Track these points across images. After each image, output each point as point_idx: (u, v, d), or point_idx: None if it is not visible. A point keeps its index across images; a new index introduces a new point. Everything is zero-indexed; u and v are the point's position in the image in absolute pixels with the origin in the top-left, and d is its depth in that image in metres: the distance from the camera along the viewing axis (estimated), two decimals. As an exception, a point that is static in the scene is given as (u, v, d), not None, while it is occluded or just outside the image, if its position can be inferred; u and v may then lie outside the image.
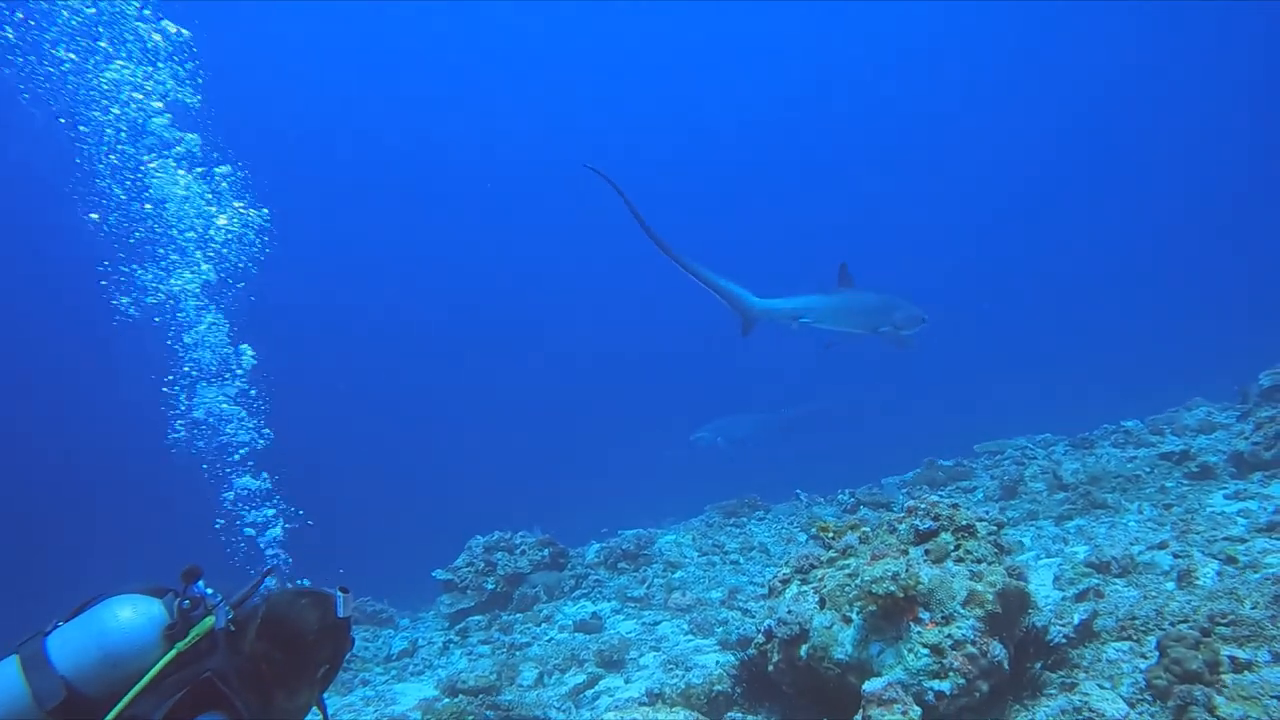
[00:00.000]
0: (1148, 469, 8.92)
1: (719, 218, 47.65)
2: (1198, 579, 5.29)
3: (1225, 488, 7.75)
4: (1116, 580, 5.81)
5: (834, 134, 49.02)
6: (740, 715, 4.92)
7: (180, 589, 2.62)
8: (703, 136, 49.09)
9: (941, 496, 10.39)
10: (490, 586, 9.40)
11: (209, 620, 2.54)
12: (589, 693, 6.53)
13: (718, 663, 6.18)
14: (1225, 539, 5.99)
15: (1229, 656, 3.84)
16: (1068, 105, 45.49)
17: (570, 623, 8.43)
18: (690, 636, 7.53)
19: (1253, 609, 4.35)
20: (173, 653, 2.44)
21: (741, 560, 9.66)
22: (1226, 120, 42.91)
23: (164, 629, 2.48)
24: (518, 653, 7.77)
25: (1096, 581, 5.78)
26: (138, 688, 2.36)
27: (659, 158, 47.60)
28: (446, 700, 6.36)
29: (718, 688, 5.15)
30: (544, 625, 8.60)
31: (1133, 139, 45.22)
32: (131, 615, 2.49)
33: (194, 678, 2.40)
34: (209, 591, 2.65)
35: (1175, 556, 5.89)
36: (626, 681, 6.67)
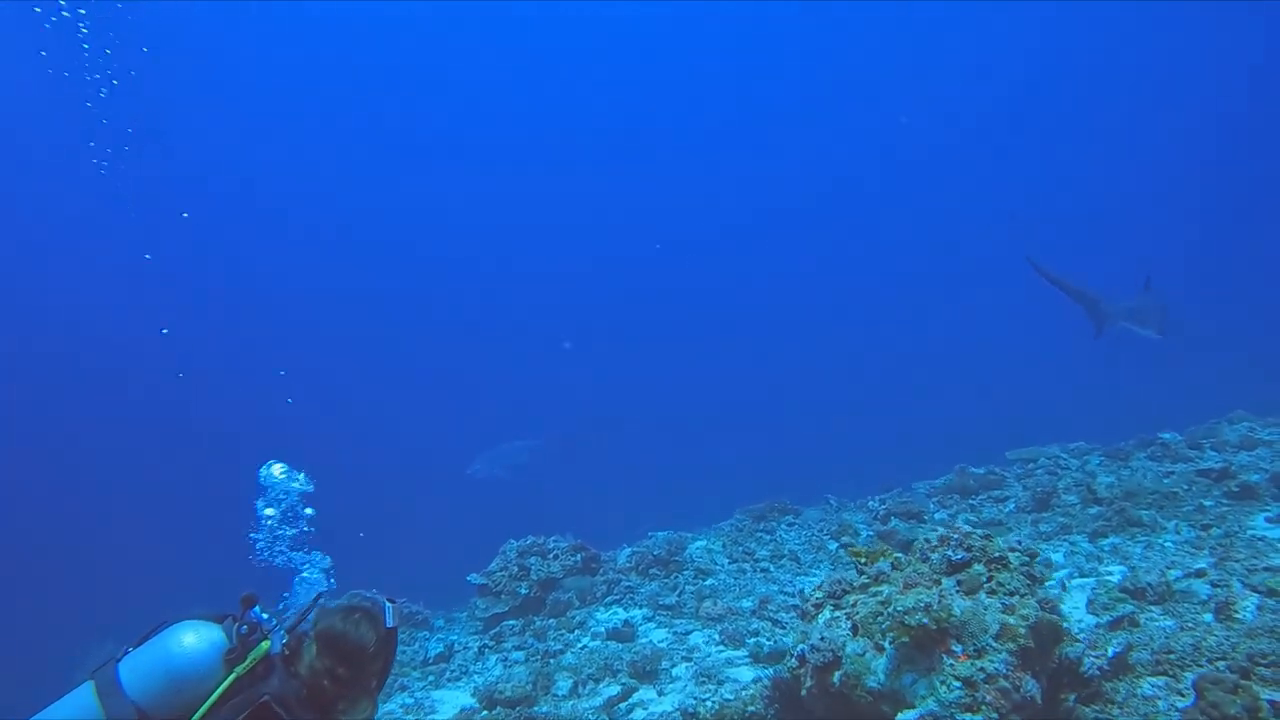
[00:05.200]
0: (1185, 485, 8.81)
1: (717, 216, 47.76)
2: (1236, 612, 5.25)
3: (1267, 510, 7.64)
4: (1152, 608, 5.78)
5: (834, 132, 48.56)
6: (773, 737, 5.00)
7: (238, 614, 2.76)
8: (702, 135, 48.95)
9: (974, 504, 10.44)
10: (524, 591, 9.55)
11: (265, 644, 2.67)
12: (623, 705, 6.64)
13: (753, 679, 6.27)
14: (1266, 569, 5.93)
15: (1270, 701, 3.84)
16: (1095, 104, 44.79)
17: (603, 630, 8.55)
18: (722, 647, 7.61)
19: (1292, 648, 4.33)
20: (232, 677, 2.57)
21: (772, 568, 9.71)
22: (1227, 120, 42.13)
23: (224, 654, 2.61)
24: (552, 660, 7.91)
25: (1132, 609, 5.75)
26: (200, 712, 2.49)
27: (659, 156, 47.77)
28: (485, 713, 6.52)
29: (751, 709, 5.24)
30: (577, 632, 8.73)
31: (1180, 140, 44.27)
32: (195, 641, 2.62)
33: (252, 702, 2.54)
34: (265, 616, 2.79)
35: (1214, 586, 5.85)
36: (660, 694, 6.77)
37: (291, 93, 42.03)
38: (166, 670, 2.57)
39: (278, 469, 4.34)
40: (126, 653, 2.66)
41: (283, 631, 2.77)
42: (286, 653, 2.71)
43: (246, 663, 2.61)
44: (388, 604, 2.86)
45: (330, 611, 2.83)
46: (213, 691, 2.53)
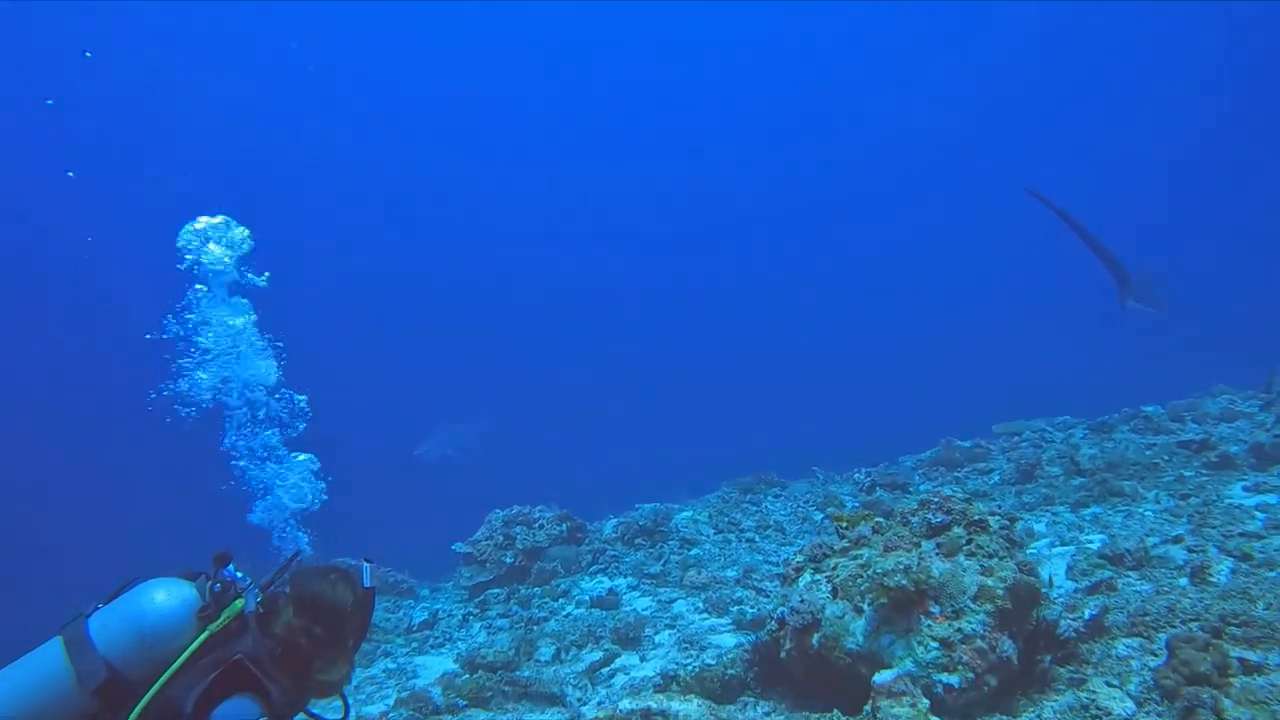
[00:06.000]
0: (1166, 457, 8.88)
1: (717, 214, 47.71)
2: (1211, 576, 5.31)
3: (1245, 479, 7.70)
4: (1130, 573, 5.83)
5: (833, 120, 48.39)
6: (753, 700, 5.03)
7: (211, 573, 2.73)
8: (701, 134, 48.77)
9: (959, 477, 10.51)
10: (509, 560, 9.56)
11: (239, 603, 2.64)
12: (605, 670, 6.67)
13: (733, 644, 6.31)
14: (1241, 535, 5.99)
15: (1239, 659, 3.88)
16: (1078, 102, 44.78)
17: (587, 598, 8.58)
18: (705, 615, 7.64)
19: (1265, 610, 4.37)
20: (204, 635, 2.54)
21: (757, 538, 9.76)
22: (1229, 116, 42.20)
23: (197, 612, 2.59)
24: (535, 628, 7.93)
25: (1110, 574, 5.81)
26: (173, 669, 2.46)
27: (658, 156, 47.60)
28: (466, 676, 6.53)
29: (731, 672, 5.26)
30: (561, 600, 8.76)
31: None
32: (166, 598, 2.60)
33: (225, 660, 2.51)
34: (239, 575, 2.76)
35: (1190, 551, 5.91)
36: (642, 660, 6.81)
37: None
38: (138, 627, 2.54)
39: None
40: (96, 609, 2.63)
41: (256, 591, 2.74)
42: (261, 612, 2.69)
43: (220, 621, 2.58)
44: (365, 564, 2.84)
45: (307, 572, 2.80)
46: (184, 649, 2.51)
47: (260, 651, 2.58)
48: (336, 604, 2.69)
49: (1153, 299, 10.73)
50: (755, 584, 8.08)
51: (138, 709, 2.40)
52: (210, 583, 2.68)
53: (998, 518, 4.82)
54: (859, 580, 4.61)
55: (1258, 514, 6.51)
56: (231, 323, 4.55)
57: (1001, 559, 4.54)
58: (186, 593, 2.64)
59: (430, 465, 16.96)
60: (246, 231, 4.68)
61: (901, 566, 4.40)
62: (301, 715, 2.80)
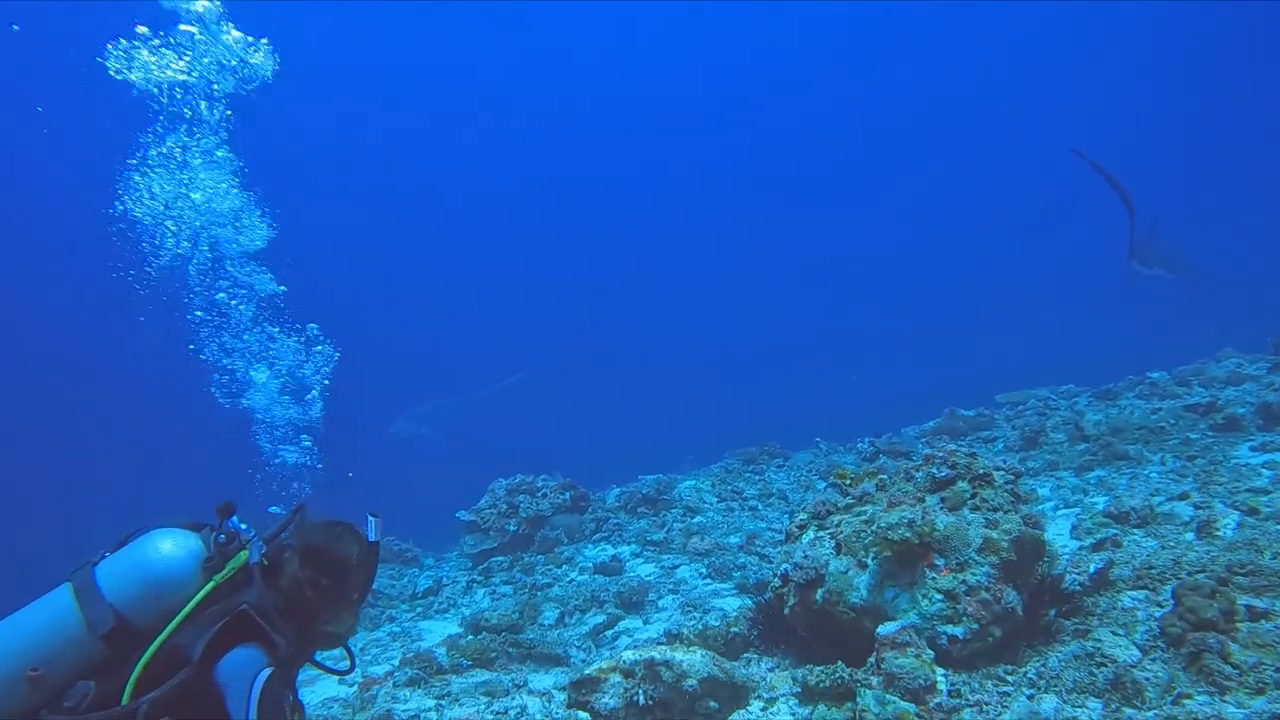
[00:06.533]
0: (1172, 420, 8.83)
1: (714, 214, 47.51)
2: (1218, 530, 5.27)
3: (1252, 439, 7.66)
4: (1135, 531, 5.80)
5: (835, 108, 48.01)
6: (756, 656, 5.02)
7: (216, 523, 2.71)
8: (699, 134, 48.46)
9: (961, 446, 10.50)
10: (512, 529, 9.58)
11: (243, 554, 2.63)
12: (609, 633, 6.69)
13: (736, 606, 6.31)
14: (1248, 490, 5.95)
15: (1246, 606, 3.85)
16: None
17: (590, 565, 8.59)
18: (708, 580, 7.65)
19: (1273, 559, 4.34)
20: (210, 585, 2.52)
21: (760, 506, 9.76)
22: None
23: (202, 562, 2.57)
24: (539, 593, 7.95)
25: (1115, 532, 5.77)
26: (179, 618, 2.45)
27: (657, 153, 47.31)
28: (470, 637, 6.55)
29: (734, 629, 5.25)
30: (565, 567, 8.77)
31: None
32: (171, 548, 2.58)
33: (230, 610, 2.49)
34: (243, 526, 2.74)
35: (1196, 507, 5.87)
36: (645, 623, 6.82)
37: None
38: (144, 576, 2.52)
39: None
40: (103, 557, 2.61)
41: (261, 542, 2.73)
42: (266, 564, 2.67)
43: (225, 571, 2.57)
44: (370, 518, 2.82)
45: (313, 525, 2.79)
46: (190, 599, 2.49)
47: (265, 603, 2.57)
48: (342, 556, 2.68)
49: (1170, 263, 10.74)
50: (758, 550, 8.08)
51: (146, 655, 2.39)
52: (215, 533, 2.66)
53: (1002, 472, 4.78)
54: (863, 535, 4.58)
55: (1264, 471, 6.47)
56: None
57: (1006, 512, 4.51)
58: (192, 543, 2.62)
59: (404, 442, 16.84)
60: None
61: (906, 520, 4.37)
62: (309, 666, 2.81)
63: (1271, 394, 8.15)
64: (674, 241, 46.54)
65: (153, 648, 2.40)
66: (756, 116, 48.52)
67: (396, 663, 6.33)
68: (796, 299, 42.05)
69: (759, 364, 33.95)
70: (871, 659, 4.07)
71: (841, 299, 41.50)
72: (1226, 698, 3.39)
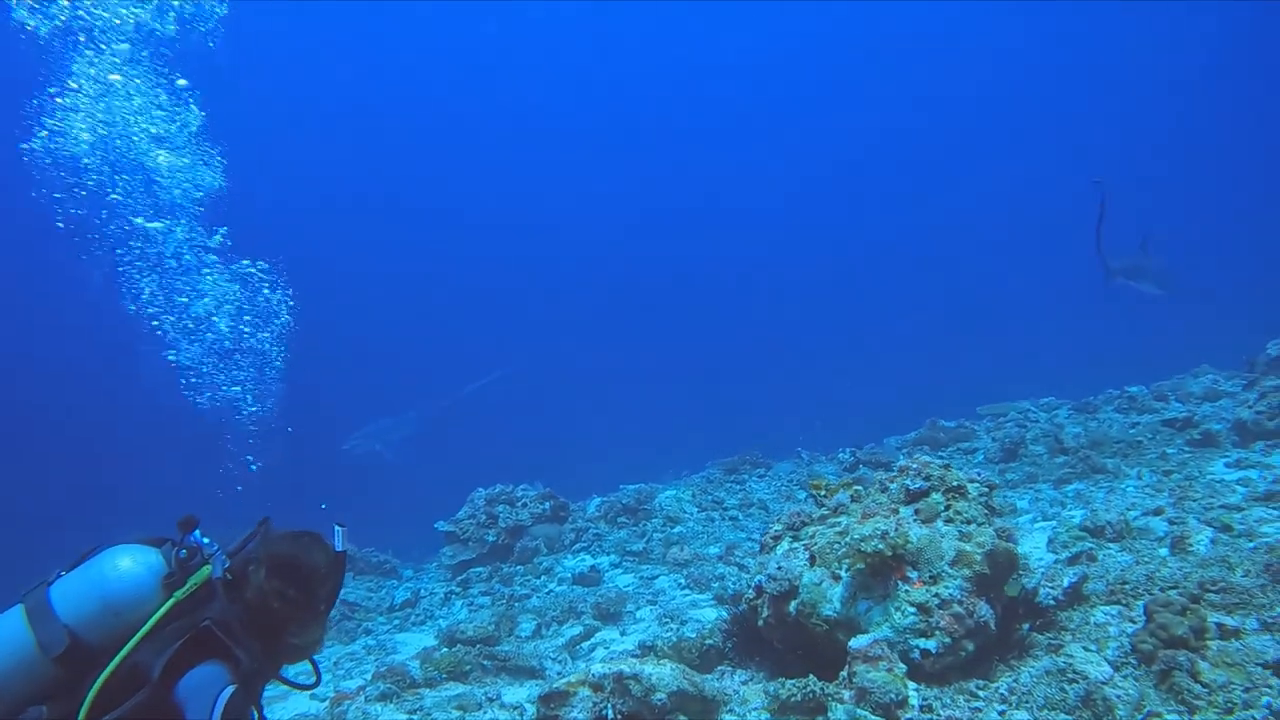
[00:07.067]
0: (1149, 435, 8.89)
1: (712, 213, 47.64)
2: (1191, 546, 5.29)
3: (1227, 455, 7.71)
4: (1110, 545, 5.81)
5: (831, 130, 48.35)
6: (730, 669, 4.98)
7: (177, 538, 2.65)
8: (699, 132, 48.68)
9: (939, 457, 10.51)
10: (491, 539, 9.51)
11: (206, 569, 2.57)
12: (585, 644, 6.63)
13: (714, 617, 6.26)
14: (1222, 507, 5.98)
15: (1216, 623, 3.86)
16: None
17: (569, 575, 8.54)
18: (687, 591, 7.61)
19: (1244, 577, 4.35)
20: (171, 602, 2.47)
21: (740, 516, 9.73)
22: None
23: (162, 578, 2.51)
24: (517, 604, 7.89)
25: (1090, 545, 5.79)
26: (138, 636, 2.38)
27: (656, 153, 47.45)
28: (445, 650, 6.48)
29: (709, 641, 5.22)
30: (544, 577, 8.71)
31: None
32: (130, 565, 2.52)
33: (193, 626, 2.44)
34: (205, 541, 2.69)
35: (1170, 523, 5.89)
36: (622, 634, 6.77)
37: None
38: (102, 594, 2.46)
39: None
40: (59, 576, 2.55)
41: (224, 556, 2.67)
42: (229, 578, 2.61)
43: (186, 587, 2.51)
44: (337, 528, 2.78)
45: (278, 536, 2.74)
46: (150, 616, 2.43)
47: (229, 617, 2.52)
48: (310, 566, 2.64)
49: (1159, 279, 10.88)
50: (738, 560, 8.05)
51: (103, 676, 2.33)
52: (176, 549, 2.61)
53: (977, 484, 4.77)
54: (836, 547, 4.56)
55: (1238, 488, 6.51)
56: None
57: (980, 525, 4.50)
58: (152, 559, 2.57)
59: (357, 460, 16.53)
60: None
61: (879, 532, 4.35)
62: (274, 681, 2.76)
63: (1246, 411, 8.20)
64: (659, 248, 46.56)
65: (110, 667, 2.33)
66: (736, 120, 48.72)
67: (369, 677, 6.25)
68: (783, 307, 42.18)
69: (745, 373, 33.99)
70: (844, 672, 4.05)
71: (829, 307, 41.66)
72: (1195, 717, 3.38)
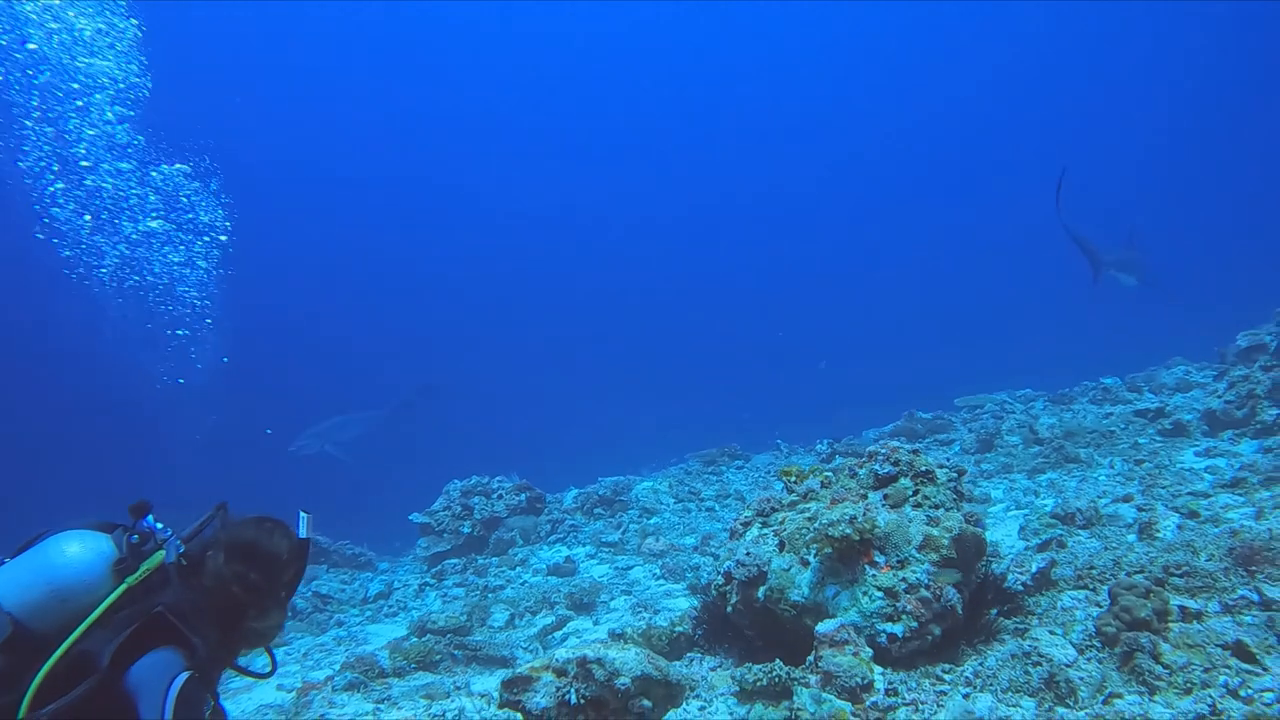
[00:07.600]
0: (1122, 425, 8.94)
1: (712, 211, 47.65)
2: (1159, 531, 5.32)
3: (1196, 445, 7.78)
4: (1080, 532, 5.84)
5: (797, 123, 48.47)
6: (700, 655, 4.96)
7: (129, 523, 2.58)
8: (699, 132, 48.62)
9: (920, 448, 10.57)
10: (467, 530, 9.44)
11: (159, 555, 2.50)
12: (558, 634, 6.59)
13: (687, 606, 6.24)
14: (1189, 494, 6.02)
15: (1179, 606, 3.87)
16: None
17: (544, 566, 8.49)
18: (661, 581, 7.59)
19: (1207, 561, 4.37)
20: (122, 588, 2.39)
21: (717, 507, 9.71)
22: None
23: (113, 564, 2.43)
24: (490, 595, 7.83)
25: (1060, 532, 5.81)
26: (86, 623, 2.30)
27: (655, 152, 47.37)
28: (415, 640, 6.41)
29: (679, 629, 5.19)
30: (519, 569, 8.66)
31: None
32: (79, 550, 2.44)
33: (145, 612, 2.37)
34: (159, 526, 2.62)
35: (1139, 510, 5.93)
36: (595, 623, 6.73)
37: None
38: (48, 581, 2.37)
39: None
40: (2, 562, 2.48)
41: (178, 541, 2.60)
42: (184, 564, 2.54)
43: (138, 573, 2.42)
44: (302, 515, 2.72)
45: (240, 521, 2.68)
46: (100, 603, 2.36)
47: (183, 603, 2.44)
48: (272, 551, 2.58)
49: (1140, 272, 11.05)
50: (713, 550, 8.01)
51: (48, 663, 2.25)
52: (127, 534, 2.53)
53: (945, 469, 4.77)
54: (805, 532, 4.54)
55: (1206, 475, 6.56)
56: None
57: (948, 510, 4.50)
58: (102, 544, 2.49)
59: (307, 461, 16.19)
60: None
61: (847, 517, 4.33)
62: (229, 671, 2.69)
63: (1216, 401, 8.27)
64: (641, 240, 46.57)
65: (55, 655, 2.25)
66: (719, 122, 48.75)
67: (338, 667, 6.18)
68: (767, 301, 42.27)
69: (726, 366, 34.07)
70: (810, 657, 4.03)
71: (811, 301, 41.79)
72: (1155, 698, 3.39)
